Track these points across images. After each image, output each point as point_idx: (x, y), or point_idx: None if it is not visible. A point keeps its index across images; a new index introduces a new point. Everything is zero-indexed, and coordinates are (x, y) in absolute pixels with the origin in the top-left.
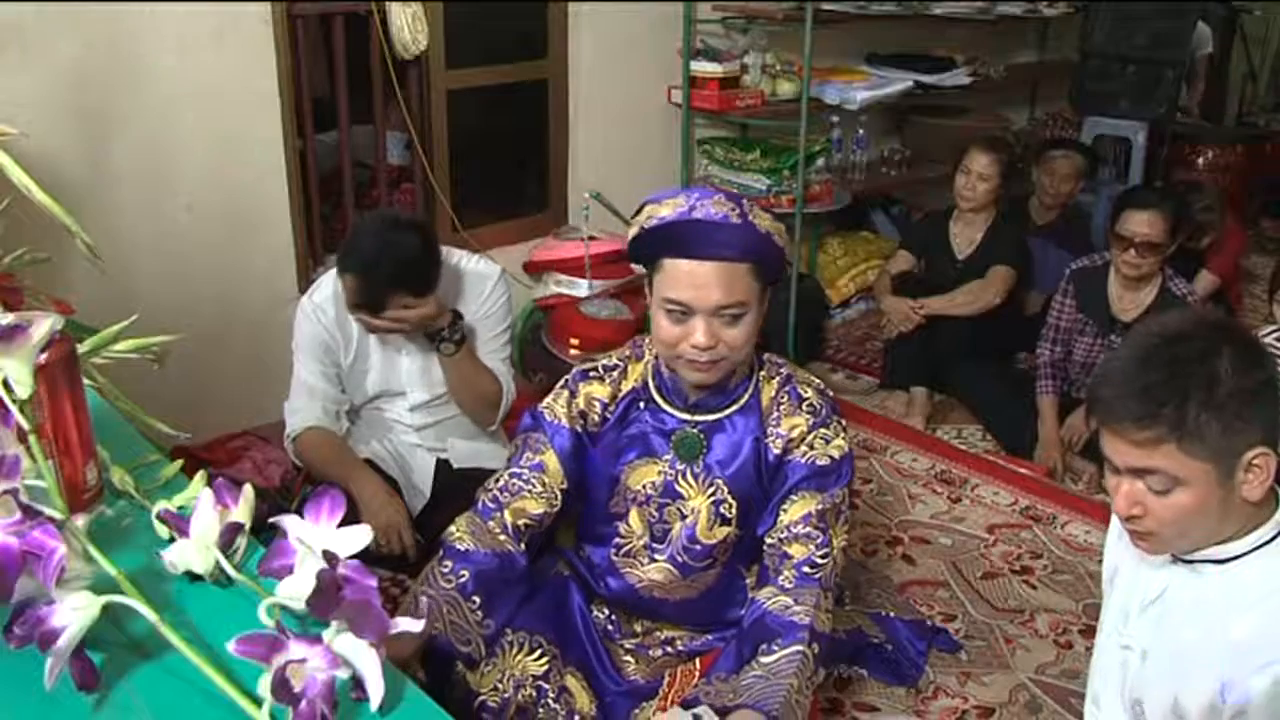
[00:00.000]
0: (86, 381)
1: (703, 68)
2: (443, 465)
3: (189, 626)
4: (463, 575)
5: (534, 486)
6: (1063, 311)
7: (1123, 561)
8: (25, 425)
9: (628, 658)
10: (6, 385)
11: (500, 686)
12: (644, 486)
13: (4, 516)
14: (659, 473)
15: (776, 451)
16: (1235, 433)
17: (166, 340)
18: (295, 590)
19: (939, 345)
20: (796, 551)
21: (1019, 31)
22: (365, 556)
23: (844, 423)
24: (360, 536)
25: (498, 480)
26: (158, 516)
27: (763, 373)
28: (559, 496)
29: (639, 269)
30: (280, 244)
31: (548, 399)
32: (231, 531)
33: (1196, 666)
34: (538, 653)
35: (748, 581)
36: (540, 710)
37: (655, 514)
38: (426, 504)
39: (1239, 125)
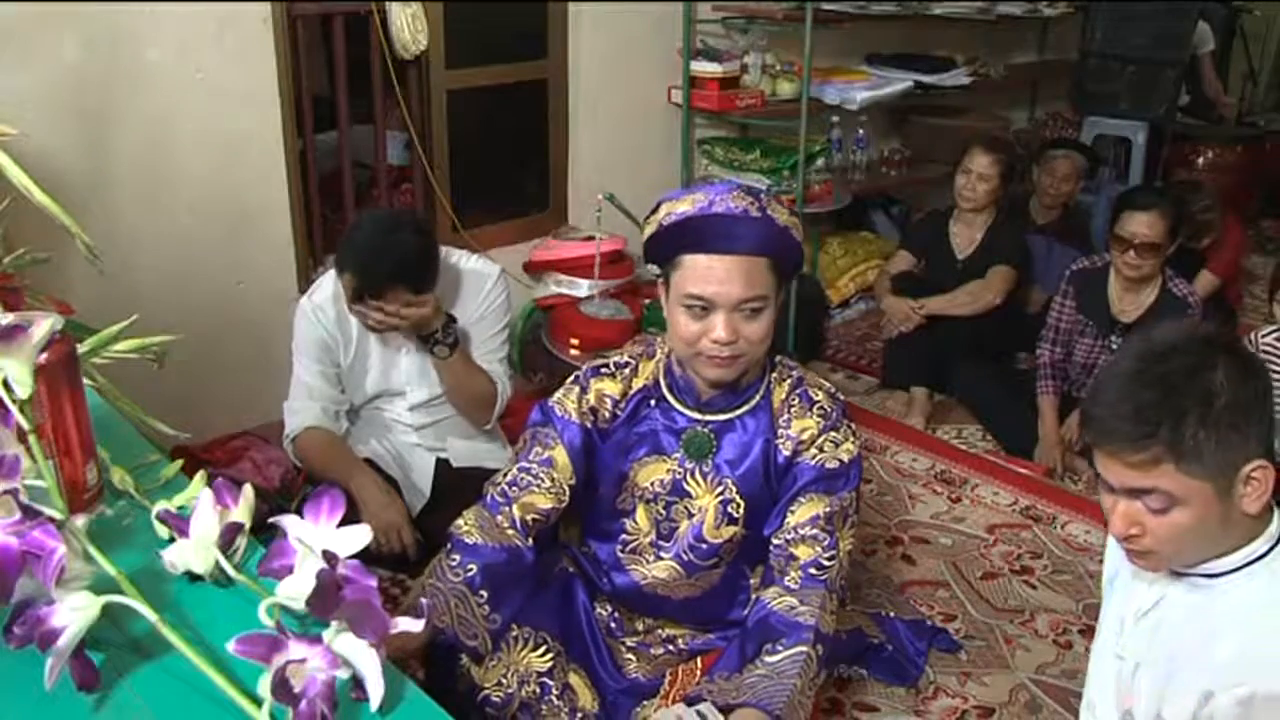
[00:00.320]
0: (86, 381)
1: (703, 68)
2: (442, 465)
3: (189, 626)
4: (470, 569)
5: (543, 482)
6: (1063, 312)
7: (1121, 567)
8: (25, 425)
9: (629, 655)
10: (6, 385)
11: (504, 682)
12: (652, 484)
13: (4, 516)
14: (668, 471)
15: (786, 453)
16: (1232, 447)
17: (166, 340)
18: (295, 590)
19: (939, 345)
20: (803, 553)
21: (1019, 31)
22: (365, 556)
23: (854, 427)
24: (360, 536)
25: (506, 475)
26: (158, 516)
27: (774, 374)
28: (567, 492)
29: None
30: (280, 244)
31: (558, 394)
32: (231, 531)
33: (1182, 680)
34: (542, 649)
35: (751, 582)
36: (543, 707)
37: (662, 512)
38: (426, 503)
39: (1239, 125)
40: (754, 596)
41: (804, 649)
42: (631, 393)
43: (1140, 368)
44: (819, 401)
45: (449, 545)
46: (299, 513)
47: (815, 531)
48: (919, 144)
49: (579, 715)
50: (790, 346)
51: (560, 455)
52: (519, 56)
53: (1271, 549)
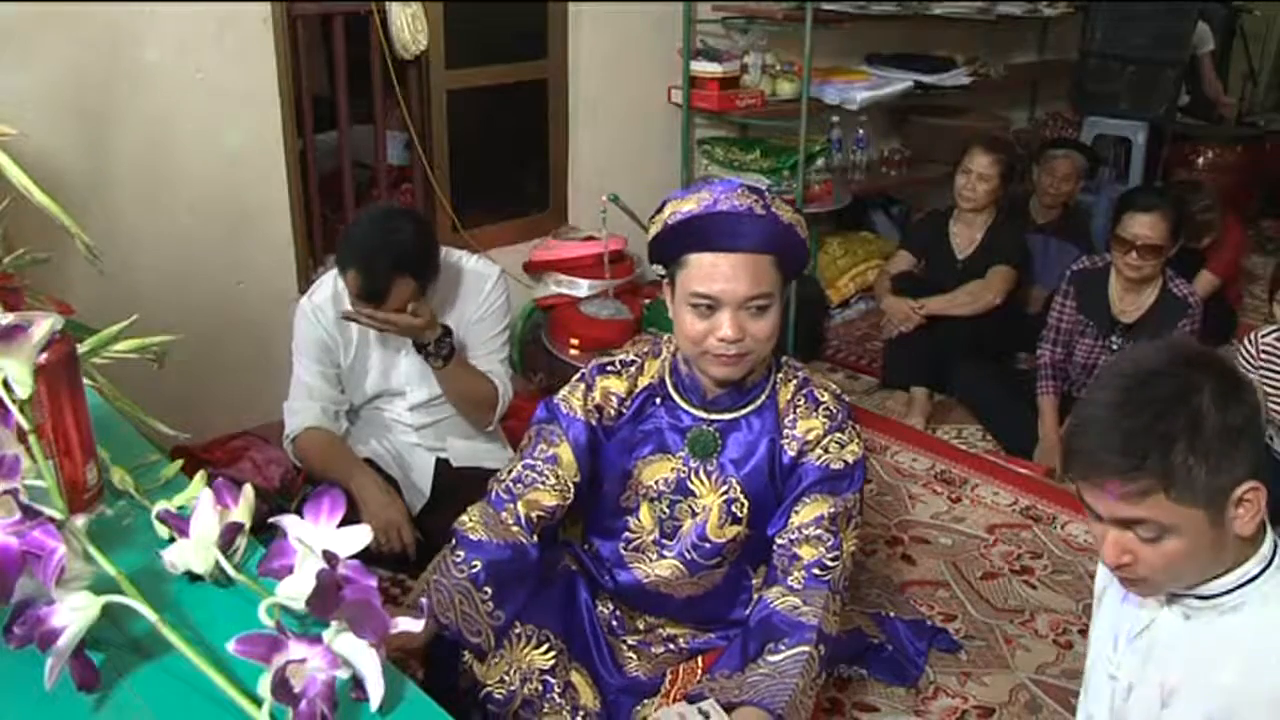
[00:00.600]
0: (86, 381)
1: (703, 68)
2: (442, 464)
3: (189, 626)
4: (475, 565)
5: (547, 479)
6: (1063, 313)
7: (1112, 583)
8: (25, 425)
9: (630, 654)
10: (6, 385)
11: (507, 679)
12: (656, 482)
13: (4, 516)
14: (672, 469)
15: (791, 453)
16: (1224, 471)
17: (166, 340)
18: (295, 590)
19: (939, 345)
20: (807, 553)
21: (1019, 31)
22: (365, 556)
23: (859, 428)
24: (360, 536)
25: (511, 471)
26: (158, 516)
27: (780, 374)
28: (572, 489)
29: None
30: (280, 244)
31: (564, 391)
32: (231, 531)
33: (1180, 705)
34: (545, 646)
35: (754, 582)
36: (545, 704)
37: (666, 510)
38: (426, 503)
39: (1239, 125)
40: (757, 596)
41: (806, 649)
42: (637, 391)
43: (1123, 397)
44: (825, 402)
45: (453, 541)
46: (299, 513)
47: (819, 532)
48: (919, 144)
49: (580, 713)
50: (790, 346)
51: (565, 452)
52: (519, 56)
53: (1264, 570)
